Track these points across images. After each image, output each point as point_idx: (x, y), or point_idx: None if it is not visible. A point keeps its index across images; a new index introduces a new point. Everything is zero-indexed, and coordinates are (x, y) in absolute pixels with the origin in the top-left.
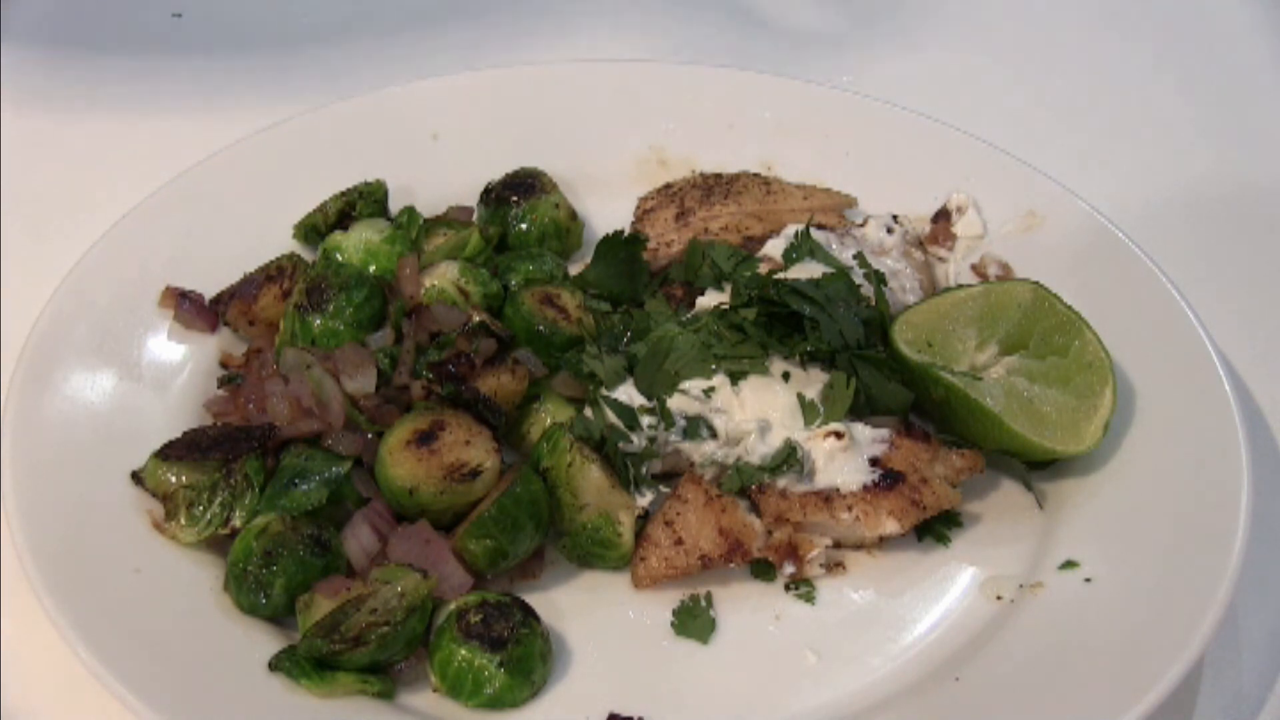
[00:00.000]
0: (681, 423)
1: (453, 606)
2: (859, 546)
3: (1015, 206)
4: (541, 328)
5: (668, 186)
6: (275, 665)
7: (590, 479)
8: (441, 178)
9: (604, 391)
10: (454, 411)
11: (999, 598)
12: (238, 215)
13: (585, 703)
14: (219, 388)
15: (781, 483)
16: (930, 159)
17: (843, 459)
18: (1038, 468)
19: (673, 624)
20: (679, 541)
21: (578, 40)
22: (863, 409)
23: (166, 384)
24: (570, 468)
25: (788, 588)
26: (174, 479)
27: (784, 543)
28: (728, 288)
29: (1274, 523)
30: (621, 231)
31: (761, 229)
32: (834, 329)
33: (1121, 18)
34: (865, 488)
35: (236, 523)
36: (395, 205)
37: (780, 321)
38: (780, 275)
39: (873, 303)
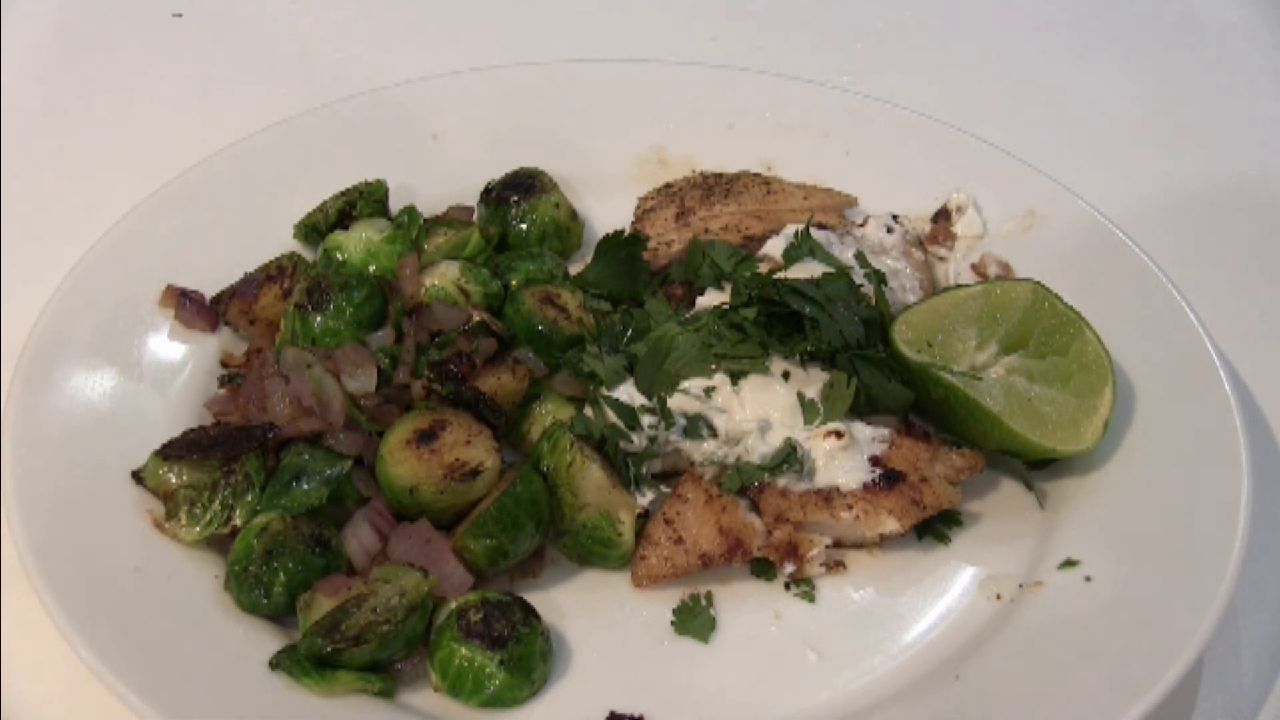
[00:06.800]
0: (681, 422)
1: (453, 605)
2: (859, 545)
3: (1015, 206)
4: (542, 327)
5: (668, 186)
6: (276, 664)
7: (590, 478)
8: (441, 178)
9: (604, 391)
10: (454, 411)
11: (999, 597)
12: (238, 215)
13: (585, 702)
14: (219, 387)
15: (781, 482)
16: (930, 159)
17: (843, 458)
18: (1038, 467)
19: (673, 623)
20: (679, 540)
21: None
22: (863, 408)
23: (167, 383)
24: (570, 467)
25: (788, 587)
26: (174, 478)
27: (784, 542)
28: (728, 287)
29: (1274, 523)
30: (621, 231)
31: (761, 229)
32: (834, 329)
33: (1120, 19)
34: (865, 487)
35: (237, 522)
36: (395, 205)
37: (780, 321)
38: (780, 275)
39: (873, 302)
